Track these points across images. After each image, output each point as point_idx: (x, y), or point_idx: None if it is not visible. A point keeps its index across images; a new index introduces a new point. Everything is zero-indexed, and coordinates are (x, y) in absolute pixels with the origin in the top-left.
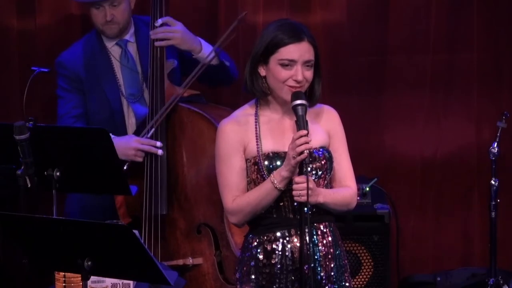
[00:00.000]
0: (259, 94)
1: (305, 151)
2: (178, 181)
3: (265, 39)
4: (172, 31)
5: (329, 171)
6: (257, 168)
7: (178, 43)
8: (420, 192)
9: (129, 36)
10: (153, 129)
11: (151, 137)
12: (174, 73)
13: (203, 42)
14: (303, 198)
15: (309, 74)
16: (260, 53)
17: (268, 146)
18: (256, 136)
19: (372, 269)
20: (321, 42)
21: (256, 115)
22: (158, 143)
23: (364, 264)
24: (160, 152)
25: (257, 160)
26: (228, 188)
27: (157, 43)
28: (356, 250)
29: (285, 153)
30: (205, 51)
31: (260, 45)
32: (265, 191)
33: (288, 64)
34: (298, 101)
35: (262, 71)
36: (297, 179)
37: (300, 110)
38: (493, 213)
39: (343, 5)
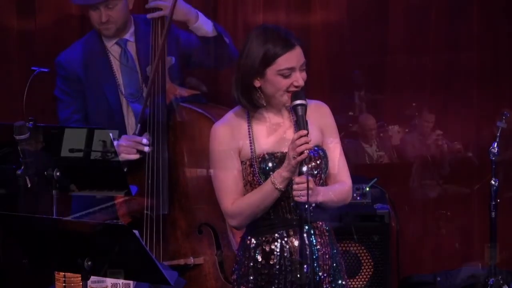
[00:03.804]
0: (258, 106)
1: (305, 151)
2: (179, 180)
3: (255, 54)
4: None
5: (325, 170)
6: (253, 170)
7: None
8: (420, 192)
9: (129, 35)
10: (139, 125)
11: (139, 133)
12: (172, 70)
13: (200, 14)
14: (304, 198)
15: (305, 74)
16: (256, 67)
17: (263, 147)
18: (250, 138)
19: (372, 269)
20: (321, 42)
21: (248, 117)
22: (144, 140)
23: (364, 264)
24: (146, 149)
25: (252, 162)
26: (225, 192)
27: (149, 15)
28: (356, 250)
29: (281, 153)
30: (201, 21)
31: (250, 60)
32: (265, 192)
33: (288, 72)
34: (298, 101)
35: (257, 83)
36: (297, 179)
37: (300, 110)
38: (493, 213)
39: (343, 5)
